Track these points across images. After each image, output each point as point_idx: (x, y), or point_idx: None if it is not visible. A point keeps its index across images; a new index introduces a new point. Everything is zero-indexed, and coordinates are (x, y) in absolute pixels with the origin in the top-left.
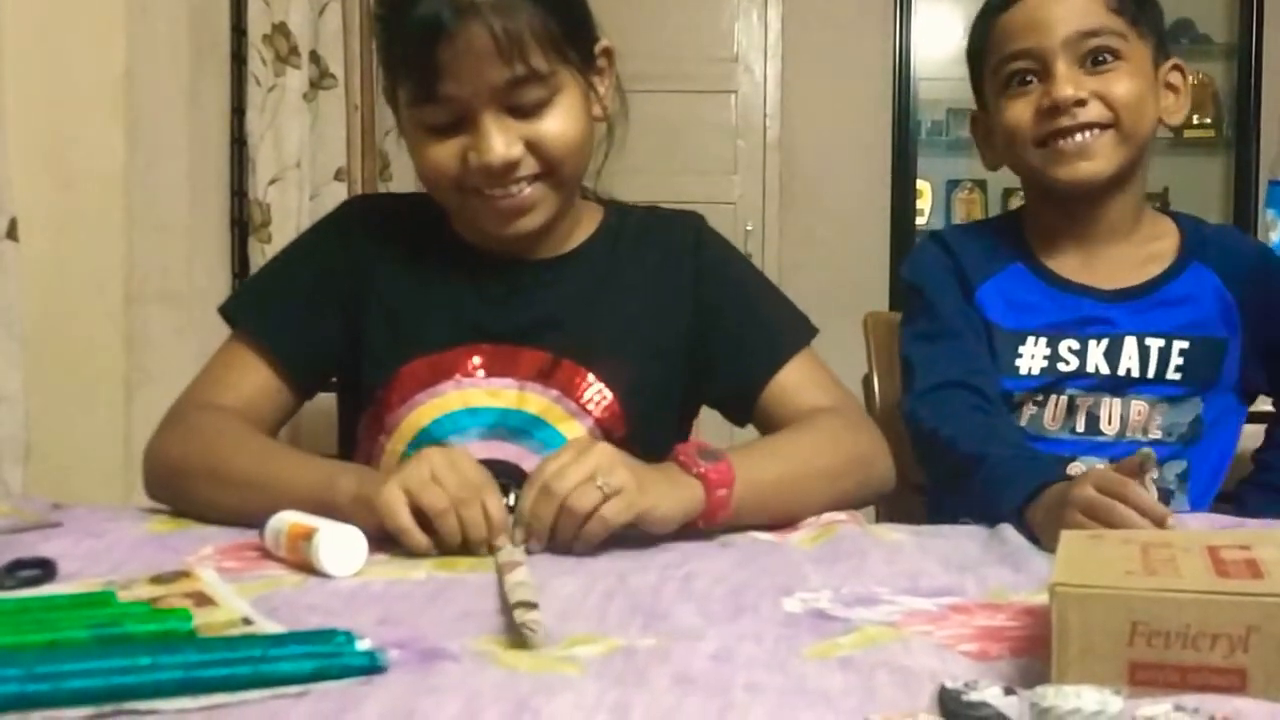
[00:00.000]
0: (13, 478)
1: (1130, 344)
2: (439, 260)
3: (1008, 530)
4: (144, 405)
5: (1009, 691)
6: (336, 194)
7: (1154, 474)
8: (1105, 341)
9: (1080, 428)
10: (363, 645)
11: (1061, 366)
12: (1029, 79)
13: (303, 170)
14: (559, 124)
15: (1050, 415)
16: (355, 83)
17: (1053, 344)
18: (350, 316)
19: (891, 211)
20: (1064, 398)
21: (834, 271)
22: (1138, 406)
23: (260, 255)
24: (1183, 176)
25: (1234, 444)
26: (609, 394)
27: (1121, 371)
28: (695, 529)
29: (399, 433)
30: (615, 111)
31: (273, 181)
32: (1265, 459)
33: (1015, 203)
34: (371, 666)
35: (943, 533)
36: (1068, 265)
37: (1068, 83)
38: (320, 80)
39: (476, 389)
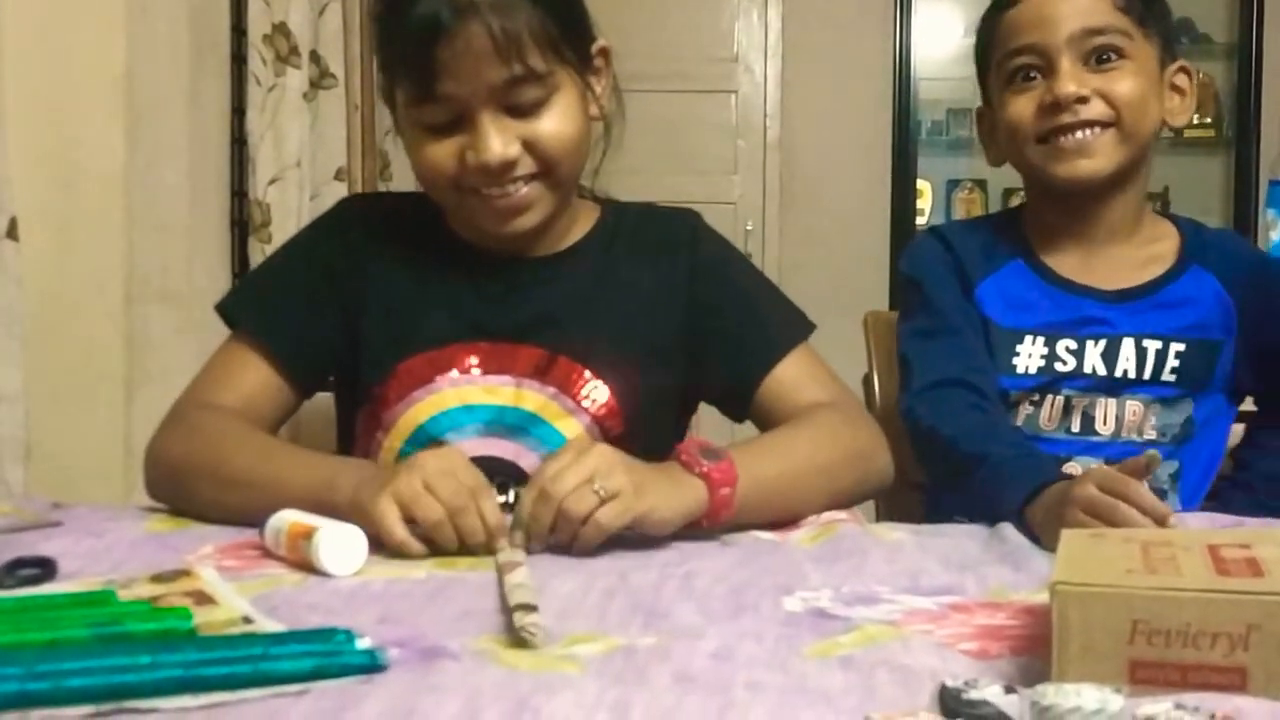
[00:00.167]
0: (13, 478)
1: (1128, 345)
2: (436, 258)
3: (1008, 529)
4: (144, 405)
5: (1009, 690)
6: (336, 194)
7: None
8: (1103, 343)
9: (1076, 428)
10: (363, 644)
11: (1058, 366)
12: (1033, 75)
13: (303, 170)
14: (556, 124)
15: (1046, 415)
16: (355, 83)
17: (1050, 344)
18: (348, 315)
19: (891, 211)
20: (1060, 398)
21: (834, 271)
22: (1133, 407)
23: (260, 255)
24: (1183, 176)
25: (1224, 444)
26: (606, 391)
27: (1118, 373)
28: (697, 528)
29: (396, 430)
30: (612, 111)
31: (273, 181)
32: (1244, 457)
33: (1015, 202)
34: (371, 665)
35: (943, 532)
36: (1067, 264)
37: (1070, 79)
38: (320, 80)
39: (473, 386)
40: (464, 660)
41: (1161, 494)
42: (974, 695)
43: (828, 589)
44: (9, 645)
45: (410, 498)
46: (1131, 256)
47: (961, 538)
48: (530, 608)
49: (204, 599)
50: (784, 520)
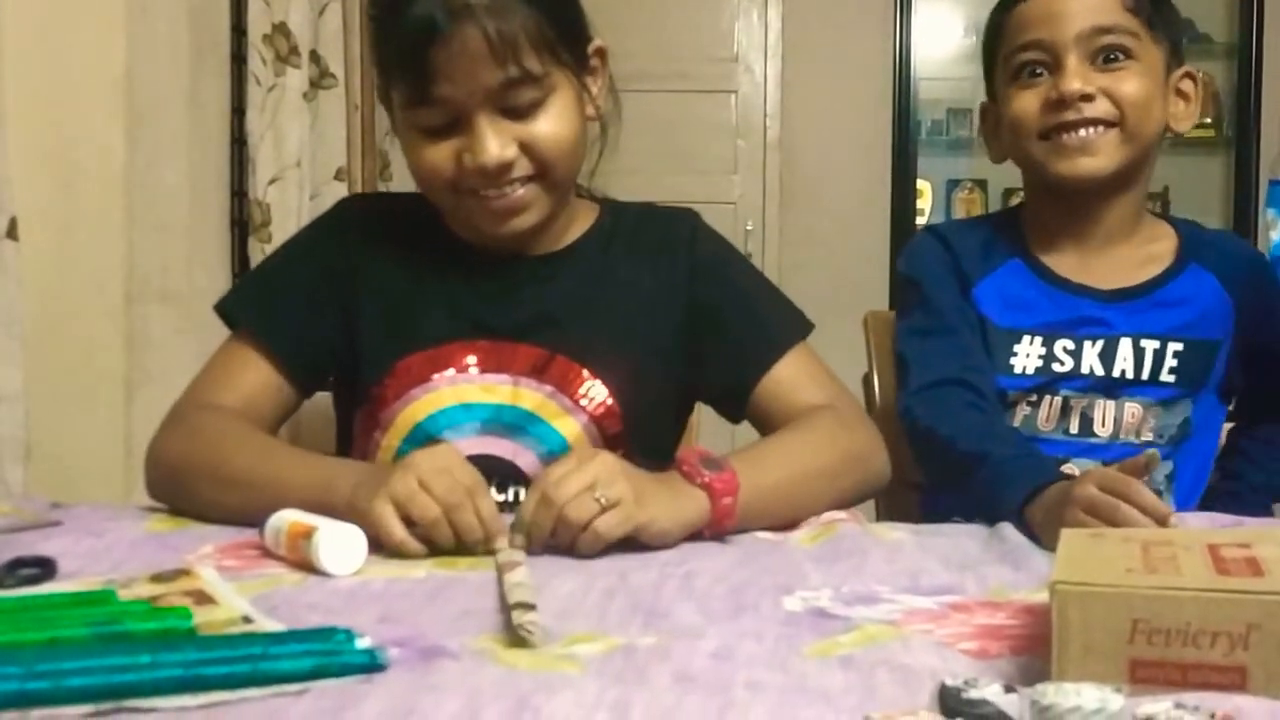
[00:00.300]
0: (13, 478)
1: (1125, 345)
2: (434, 258)
3: (1007, 529)
4: (144, 405)
5: (1009, 689)
6: (336, 194)
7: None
8: (1101, 343)
9: (1074, 429)
10: (362, 643)
11: (1056, 367)
12: (1039, 71)
13: (303, 170)
14: (552, 125)
15: (1044, 416)
16: (355, 82)
17: (1048, 343)
18: (347, 314)
19: (891, 211)
20: (1058, 399)
21: (834, 271)
22: (1131, 409)
23: (260, 255)
24: (1183, 176)
25: (1215, 445)
26: (604, 390)
27: (1116, 373)
28: (699, 538)
29: (394, 428)
30: (609, 111)
31: (273, 181)
32: (1234, 468)
33: (1016, 202)
34: (371, 665)
35: (943, 531)
36: (1066, 264)
37: (1076, 77)
38: (320, 80)
39: (471, 385)
40: (464, 660)
41: (1157, 495)
42: (974, 695)
43: (828, 589)
44: (8, 645)
45: (406, 497)
46: (1129, 256)
47: (961, 537)
48: (529, 606)
49: (204, 599)
50: (785, 525)
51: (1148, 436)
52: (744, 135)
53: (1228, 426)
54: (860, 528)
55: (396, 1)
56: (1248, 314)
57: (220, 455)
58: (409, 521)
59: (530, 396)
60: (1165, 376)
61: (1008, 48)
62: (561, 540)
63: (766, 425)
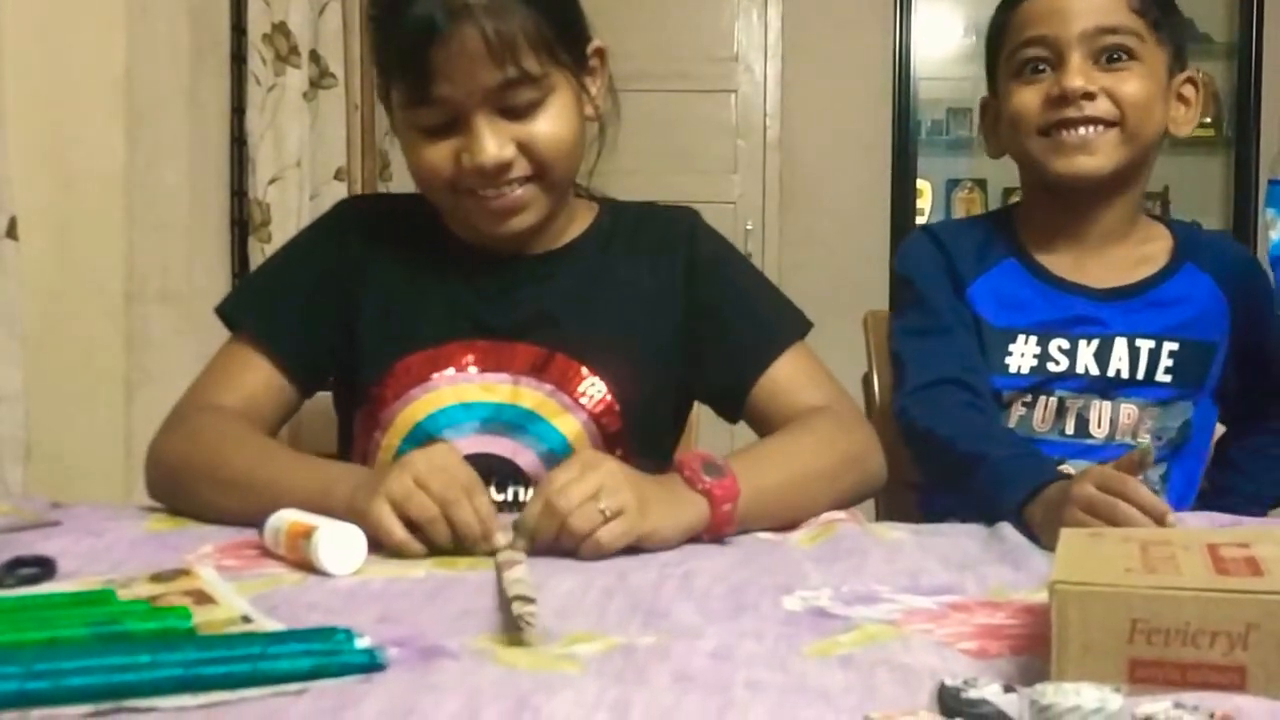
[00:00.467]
0: (13, 477)
1: (1120, 345)
2: (433, 258)
3: (1007, 529)
4: (144, 405)
5: (1008, 689)
6: (336, 194)
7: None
8: (1095, 342)
9: (1069, 430)
10: (362, 643)
11: (1051, 366)
12: (1041, 68)
13: (303, 170)
14: (551, 125)
15: (1039, 416)
16: (355, 82)
17: (1043, 343)
18: (347, 315)
19: (891, 211)
20: (1053, 399)
21: (834, 271)
22: (1127, 410)
23: (260, 255)
24: (1183, 176)
25: (1209, 448)
26: (603, 388)
27: (1111, 373)
28: (699, 541)
29: (394, 428)
30: (607, 111)
31: (273, 181)
32: (1226, 482)
33: (1015, 201)
34: (371, 664)
35: (942, 531)
36: (1061, 263)
37: (1078, 74)
38: (320, 80)
39: (470, 384)
40: (463, 659)
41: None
42: (973, 694)
43: (827, 588)
44: (8, 644)
45: (403, 496)
46: (1125, 256)
47: (961, 537)
48: (528, 599)
49: (203, 598)
50: (785, 526)
51: (1144, 438)
52: (744, 135)
53: (1218, 433)
54: (860, 527)
55: (396, 1)
56: (1242, 314)
57: (220, 457)
58: (408, 522)
59: (530, 395)
60: (1161, 377)
61: (1011, 43)
62: (564, 547)
63: (764, 425)
